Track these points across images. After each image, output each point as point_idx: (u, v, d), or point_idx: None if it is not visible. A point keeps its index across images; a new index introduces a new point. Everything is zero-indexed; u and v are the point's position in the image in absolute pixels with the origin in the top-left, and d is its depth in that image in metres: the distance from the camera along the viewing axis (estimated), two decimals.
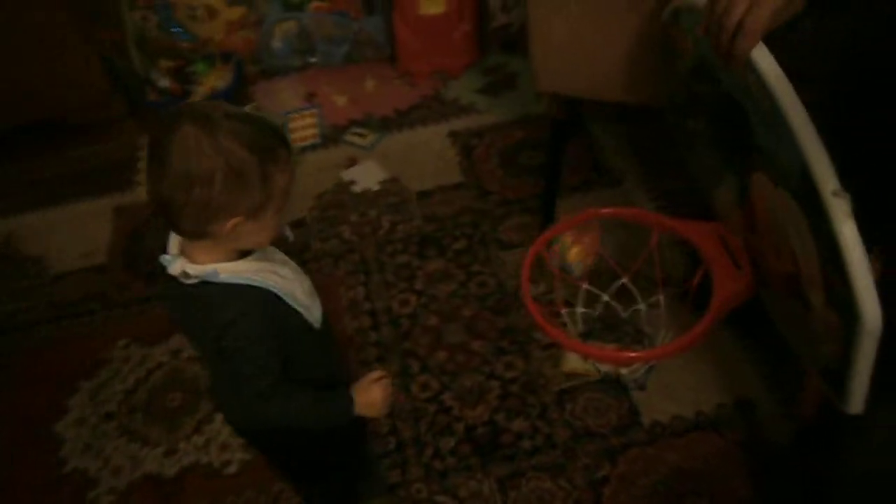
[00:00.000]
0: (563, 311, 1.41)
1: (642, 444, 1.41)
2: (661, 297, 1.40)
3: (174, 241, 0.95)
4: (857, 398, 0.92)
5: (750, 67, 0.89)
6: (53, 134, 2.23)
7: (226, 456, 1.49)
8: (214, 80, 2.20)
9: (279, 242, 1.03)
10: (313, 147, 2.12)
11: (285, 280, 0.99)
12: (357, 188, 1.98)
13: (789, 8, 0.88)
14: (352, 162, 2.06)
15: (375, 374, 1.08)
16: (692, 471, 1.36)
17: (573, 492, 1.36)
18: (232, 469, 1.47)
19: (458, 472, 1.41)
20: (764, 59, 0.87)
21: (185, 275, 0.91)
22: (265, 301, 0.95)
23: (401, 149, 2.09)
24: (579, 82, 1.33)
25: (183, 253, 0.93)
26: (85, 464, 1.51)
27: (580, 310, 1.47)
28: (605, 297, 1.47)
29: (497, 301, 1.67)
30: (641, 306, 1.44)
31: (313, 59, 2.34)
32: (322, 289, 1.75)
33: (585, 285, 1.47)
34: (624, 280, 1.43)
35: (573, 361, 1.54)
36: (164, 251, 0.93)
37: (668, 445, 1.40)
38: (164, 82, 2.18)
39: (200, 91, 2.17)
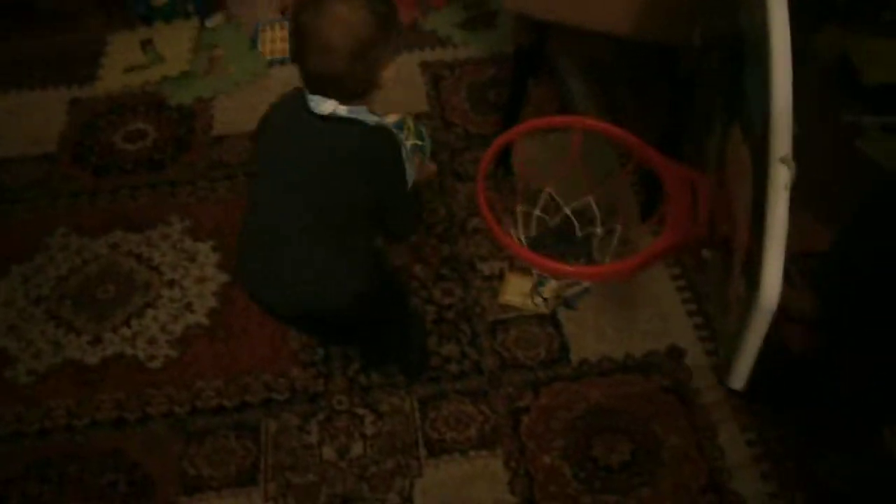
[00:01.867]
0: (518, 208, 1.38)
1: (567, 379, 1.41)
2: (619, 227, 1.38)
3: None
4: (739, 373, 0.91)
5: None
6: (21, 17, 2.16)
7: (152, 350, 1.47)
8: None
9: None
10: (282, 62, 2.07)
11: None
12: None
13: None
14: None
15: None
16: (612, 409, 1.37)
17: (492, 417, 1.36)
18: (156, 364, 1.45)
19: (381, 388, 1.41)
20: None
21: (333, 114, 1.06)
22: (403, 149, 1.16)
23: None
24: (556, 4, 1.27)
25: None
26: (6, 343, 1.49)
27: (537, 213, 1.44)
28: (567, 210, 1.45)
29: (444, 230, 1.65)
30: (598, 230, 1.41)
31: None
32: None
33: (549, 189, 1.44)
34: (589, 199, 1.40)
35: (510, 294, 1.53)
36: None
37: (593, 383, 1.41)
38: None
39: None
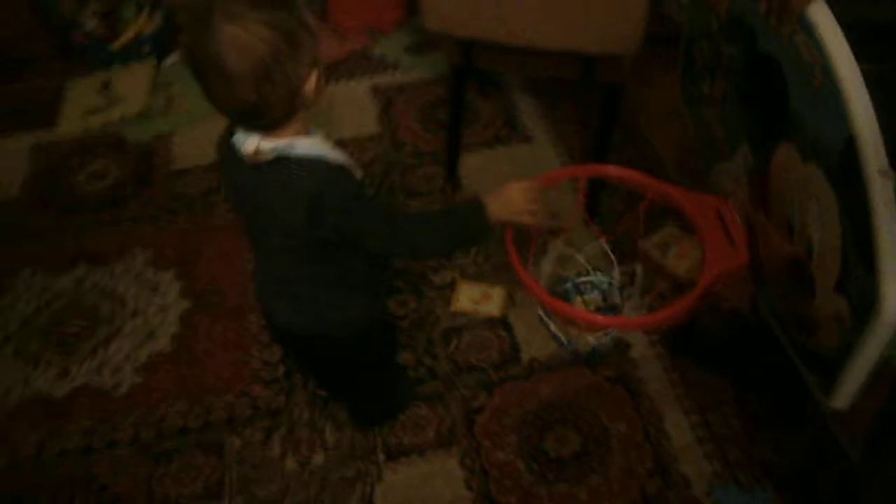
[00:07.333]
0: (530, 267, 1.38)
1: (519, 378, 1.47)
2: (639, 267, 1.38)
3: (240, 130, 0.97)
4: (846, 392, 0.86)
5: (802, 25, 0.80)
6: None
7: (117, 378, 1.52)
8: (142, 25, 2.20)
9: None
10: None
11: (353, 164, 1.03)
12: None
13: None
14: None
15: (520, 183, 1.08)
16: (561, 402, 1.43)
17: (447, 419, 1.42)
18: (122, 390, 1.50)
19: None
20: (822, 15, 0.77)
21: (258, 152, 0.94)
22: (343, 168, 0.99)
23: (321, 100, 2.11)
24: (474, 22, 1.35)
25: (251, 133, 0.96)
26: None
27: (548, 269, 1.47)
28: (580, 259, 1.47)
29: None
30: (616, 273, 1.43)
31: None
32: (230, 228, 1.80)
33: (560, 243, 1.46)
34: (602, 242, 1.41)
35: (462, 301, 1.59)
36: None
37: (543, 380, 1.46)
38: (91, 25, 2.18)
39: (126, 35, 2.18)
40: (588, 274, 1.48)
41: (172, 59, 2.24)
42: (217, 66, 0.86)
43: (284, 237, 1.04)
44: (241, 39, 0.85)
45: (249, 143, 0.95)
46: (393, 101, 2.10)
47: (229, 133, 1.00)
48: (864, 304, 0.77)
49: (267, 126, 0.95)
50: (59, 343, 1.59)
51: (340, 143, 1.94)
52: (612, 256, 1.38)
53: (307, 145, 0.98)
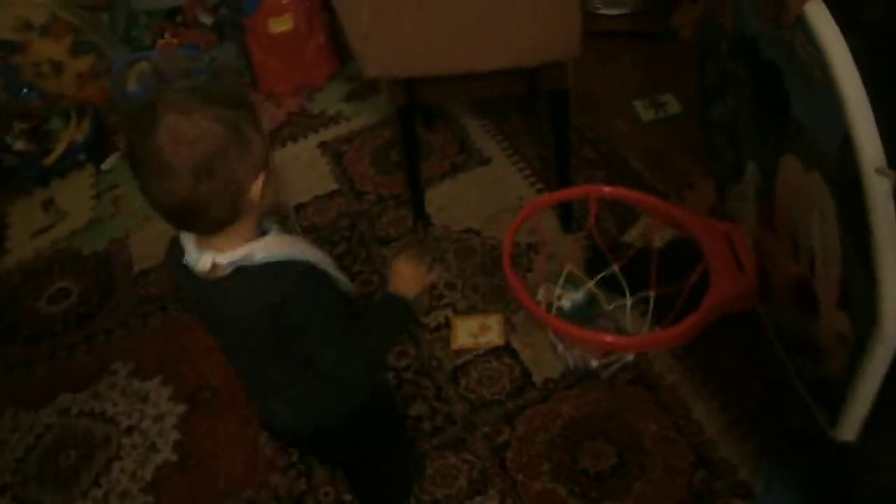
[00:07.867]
0: (541, 288, 1.38)
1: (537, 402, 1.43)
2: (652, 294, 1.34)
3: (189, 240, 0.93)
4: (852, 421, 0.82)
5: (800, 25, 0.79)
6: None
7: (127, 503, 1.44)
8: (72, 133, 2.14)
9: None
10: None
11: (314, 251, 1.00)
12: None
13: None
14: None
15: (399, 258, 1.12)
16: (586, 417, 1.39)
17: (477, 462, 1.37)
18: None
19: None
20: (817, 13, 0.76)
21: (215, 268, 0.90)
22: (307, 271, 0.95)
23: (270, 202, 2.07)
24: (416, 59, 1.32)
25: (203, 248, 0.92)
26: None
27: (559, 291, 1.43)
28: (590, 285, 1.43)
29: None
30: (628, 301, 1.40)
31: None
32: None
33: (569, 266, 1.42)
34: (614, 269, 1.38)
35: (461, 338, 1.55)
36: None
37: (562, 398, 1.43)
38: (20, 144, 2.12)
39: (58, 148, 2.11)
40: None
41: (111, 161, 2.18)
42: (153, 157, 0.83)
43: (256, 347, 1.00)
44: (185, 132, 0.82)
45: (204, 260, 0.91)
46: (342, 153, 2.07)
47: (179, 242, 0.96)
48: (866, 316, 0.74)
49: (204, 229, 0.90)
50: (58, 480, 1.50)
51: (300, 208, 1.93)
52: (624, 283, 1.36)
53: (266, 250, 0.93)
